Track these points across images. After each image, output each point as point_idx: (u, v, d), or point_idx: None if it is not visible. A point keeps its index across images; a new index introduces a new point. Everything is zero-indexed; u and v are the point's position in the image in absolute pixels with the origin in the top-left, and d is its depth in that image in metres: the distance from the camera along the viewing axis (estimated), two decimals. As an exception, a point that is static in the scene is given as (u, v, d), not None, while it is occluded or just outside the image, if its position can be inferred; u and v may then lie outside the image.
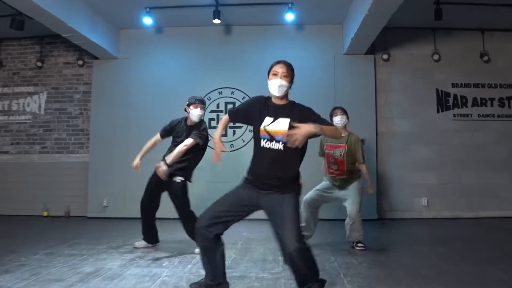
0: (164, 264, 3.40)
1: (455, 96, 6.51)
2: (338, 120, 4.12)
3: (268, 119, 2.48)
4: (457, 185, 6.35)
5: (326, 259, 3.60)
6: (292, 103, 2.57)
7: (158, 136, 4.16)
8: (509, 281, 2.84)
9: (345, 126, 4.15)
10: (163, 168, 3.68)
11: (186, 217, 3.82)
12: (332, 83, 6.34)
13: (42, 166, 6.83)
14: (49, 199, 6.65)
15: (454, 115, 6.49)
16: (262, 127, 2.46)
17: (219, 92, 6.46)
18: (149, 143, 4.15)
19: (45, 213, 6.61)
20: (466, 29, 6.52)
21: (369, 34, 5.63)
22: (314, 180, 4.19)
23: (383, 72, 6.53)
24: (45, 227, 5.70)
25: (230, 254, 3.73)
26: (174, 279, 2.92)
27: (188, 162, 3.88)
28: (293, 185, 2.46)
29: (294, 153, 2.42)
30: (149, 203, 4.11)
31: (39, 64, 6.91)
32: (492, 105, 6.47)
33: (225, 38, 6.54)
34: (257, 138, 2.51)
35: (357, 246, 4.00)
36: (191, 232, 3.67)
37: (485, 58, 6.47)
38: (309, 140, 2.35)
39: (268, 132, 2.45)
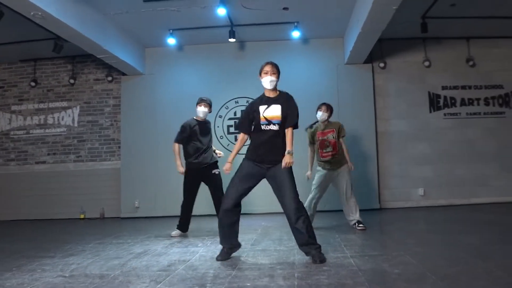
0: (199, 245, 4.11)
1: (445, 97, 7.31)
2: (319, 115, 4.87)
3: (263, 107, 3.27)
4: (451, 176, 7.13)
5: (330, 236, 4.33)
6: (282, 94, 3.37)
7: (177, 145, 4.88)
8: (481, 245, 3.56)
9: (325, 120, 4.88)
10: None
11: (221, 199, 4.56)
12: (335, 90, 7.14)
13: (77, 173, 7.59)
14: (85, 203, 7.40)
15: (445, 114, 7.28)
16: (261, 115, 3.25)
17: (235, 102, 7.26)
18: (177, 153, 4.85)
19: (82, 216, 7.36)
20: (453, 38, 7.33)
21: (365, 47, 6.43)
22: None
23: (380, 78, 7.33)
24: (85, 227, 6.40)
25: (252, 237, 4.48)
26: (210, 253, 3.62)
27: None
28: None
29: (284, 133, 3.26)
30: (190, 201, 4.86)
31: (71, 81, 7.69)
32: (478, 104, 7.27)
33: (239, 53, 7.35)
34: (258, 127, 3.29)
35: (358, 226, 4.69)
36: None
37: (471, 63, 7.27)
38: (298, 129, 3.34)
39: (265, 118, 3.25)
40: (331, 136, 4.82)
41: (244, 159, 3.36)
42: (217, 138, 7.15)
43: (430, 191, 7.12)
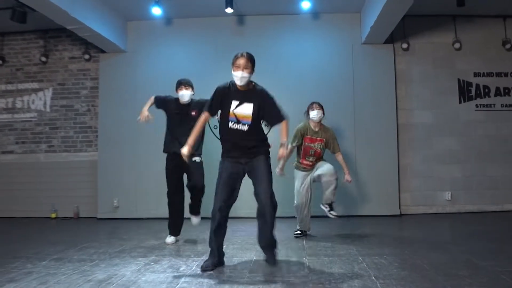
0: (181, 268, 3.13)
1: (477, 85, 6.26)
2: (314, 114, 4.30)
3: (234, 103, 3.04)
4: (482, 178, 6.12)
5: (351, 256, 3.41)
6: (255, 88, 3.09)
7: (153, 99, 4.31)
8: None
9: (320, 121, 4.35)
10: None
11: (202, 190, 4.08)
12: (350, 74, 6.09)
13: (49, 165, 6.57)
14: (57, 200, 6.41)
15: (476, 106, 6.24)
16: (231, 110, 3.03)
17: (232, 85, 6.20)
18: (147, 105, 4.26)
19: (53, 215, 6.37)
20: (488, 16, 6.26)
21: (390, 22, 5.38)
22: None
23: (402, 62, 6.27)
24: (53, 230, 5.48)
25: (250, 255, 3.54)
26: (195, 284, 2.68)
27: (200, 140, 4.06)
28: (263, 148, 3.14)
29: (256, 128, 3.10)
30: (176, 192, 4.19)
31: (43, 59, 6.63)
32: (516, 95, 6.24)
33: (238, 28, 6.28)
34: (225, 120, 3.09)
35: (330, 214, 4.27)
36: (198, 205, 4.20)
37: (508, 46, 6.21)
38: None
39: (235, 115, 3.04)
40: (318, 146, 4.34)
41: (222, 160, 3.17)
42: (210, 128, 6.11)
43: (458, 195, 6.11)
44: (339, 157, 4.40)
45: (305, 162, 4.34)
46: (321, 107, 4.34)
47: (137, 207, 6.14)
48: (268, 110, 3.09)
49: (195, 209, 4.25)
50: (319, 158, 4.36)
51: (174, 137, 4.10)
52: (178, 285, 2.67)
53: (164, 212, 5.41)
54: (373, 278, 2.74)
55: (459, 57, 6.29)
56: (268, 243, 3.16)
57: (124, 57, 6.37)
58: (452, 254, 3.50)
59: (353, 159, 6.01)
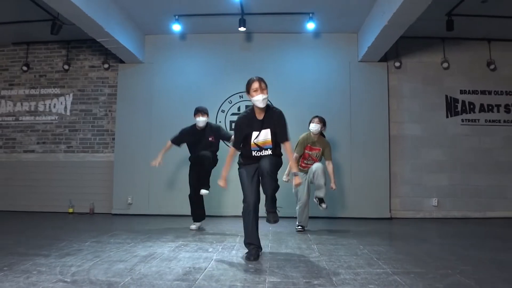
0: (210, 250, 3.64)
1: (463, 102, 6.85)
2: (313, 126, 4.91)
3: (255, 134, 3.24)
4: (466, 187, 6.66)
5: (353, 245, 3.94)
6: (270, 111, 3.29)
7: (169, 143, 5.18)
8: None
9: (318, 133, 4.93)
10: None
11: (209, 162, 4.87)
12: (347, 89, 6.68)
13: (68, 164, 7.09)
14: (74, 197, 6.90)
15: (462, 120, 6.83)
16: (252, 141, 3.24)
17: (240, 96, 6.77)
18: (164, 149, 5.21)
19: (71, 210, 6.86)
20: (474, 39, 6.89)
21: (386, 43, 5.98)
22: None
23: (395, 79, 6.87)
24: (75, 222, 5.93)
25: (266, 243, 4.02)
26: (226, 260, 3.20)
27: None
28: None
29: (276, 145, 3.31)
30: (195, 190, 4.95)
31: (65, 67, 7.19)
32: (498, 111, 6.82)
33: (246, 44, 6.89)
34: (247, 146, 3.29)
35: (321, 206, 4.79)
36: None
37: (492, 66, 6.83)
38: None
39: (257, 145, 3.25)
40: (315, 154, 4.98)
41: (240, 168, 3.42)
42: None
43: (444, 201, 6.66)
44: (330, 166, 4.98)
45: (303, 164, 4.99)
46: (321, 121, 4.92)
47: (149, 204, 6.66)
48: (278, 130, 3.28)
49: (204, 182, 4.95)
50: (315, 161, 4.97)
51: (194, 153, 5.01)
52: (212, 260, 3.18)
53: (175, 209, 5.87)
54: (375, 259, 3.28)
55: (447, 76, 6.89)
56: (269, 202, 3.36)
57: (141, 68, 6.95)
58: (440, 245, 4.09)
59: (349, 167, 6.57)
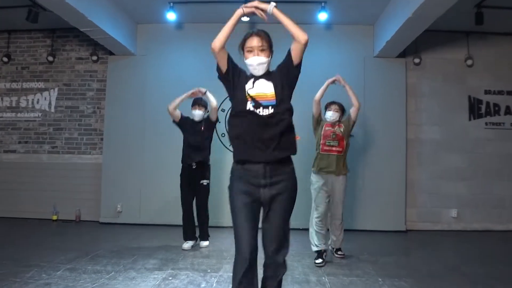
0: (203, 286, 3.10)
1: (487, 103, 6.23)
2: (330, 115, 4.17)
3: (249, 83, 2.26)
4: (488, 196, 6.08)
5: (374, 280, 3.35)
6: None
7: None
8: None
9: (339, 120, 4.19)
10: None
11: (206, 212, 4.60)
12: (361, 86, 6.00)
13: (52, 166, 6.45)
14: (58, 202, 6.28)
15: (486, 123, 6.20)
16: (246, 94, 2.21)
17: (242, 94, 6.12)
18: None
19: (55, 217, 6.25)
20: (501, 34, 6.23)
21: (408, 37, 5.32)
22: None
23: (413, 76, 6.22)
24: (58, 233, 5.40)
25: None
26: None
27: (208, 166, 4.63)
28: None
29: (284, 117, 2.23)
30: (187, 201, 4.54)
31: (50, 58, 6.51)
32: (525, 114, 6.21)
33: (250, 36, 6.20)
34: (239, 103, 2.26)
35: (337, 254, 4.15)
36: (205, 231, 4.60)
37: (520, 64, 6.20)
38: None
39: (252, 98, 2.20)
40: (339, 130, 4.13)
41: (231, 188, 2.26)
42: (218, 136, 6.04)
43: (464, 212, 6.08)
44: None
45: (326, 147, 4.07)
46: (339, 109, 4.17)
47: (140, 213, 6.05)
48: (285, 71, 2.35)
49: (202, 235, 4.62)
50: (343, 145, 4.07)
51: (188, 151, 4.54)
52: None
53: (168, 219, 5.30)
54: None
55: (470, 74, 6.25)
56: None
57: (133, 60, 6.27)
58: (465, 277, 3.49)
59: (362, 174, 5.96)
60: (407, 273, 3.61)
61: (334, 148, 4.07)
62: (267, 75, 2.28)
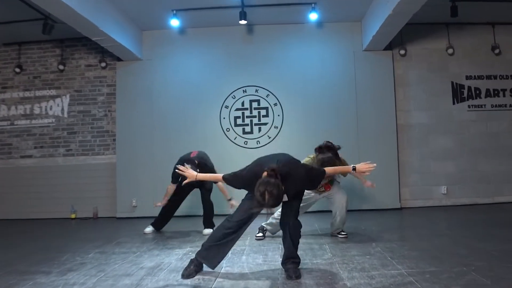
0: None
1: (469, 88, 6.77)
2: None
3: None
4: (474, 173, 6.62)
5: (365, 242, 3.87)
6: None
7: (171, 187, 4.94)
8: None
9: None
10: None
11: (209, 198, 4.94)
12: (352, 78, 6.55)
13: (67, 168, 6.88)
14: (76, 201, 6.71)
15: (469, 106, 6.75)
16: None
17: (243, 91, 6.60)
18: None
19: (73, 215, 6.67)
20: (478, 24, 6.78)
21: (391, 32, 5.84)
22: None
23: (400, 67, 6.75)
24: (78, 229, 5.76)
25: (277, 243, 3.90)
26: (236, 270, 3.06)
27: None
28: None
29: None
30: (173, 204, 4.99)
31: (60, 67, 6.93)
32: (504, 96, 6.75)
33: (248, 37, 6.69)
34: None
35: (340, 234, 4.20)
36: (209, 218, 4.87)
37: (497, 50, 6.73)
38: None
39: None
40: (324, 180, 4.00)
41: (246, 199, 3.05)
42: (223, 131, 6.52)
43: (453, 189, 6.61)
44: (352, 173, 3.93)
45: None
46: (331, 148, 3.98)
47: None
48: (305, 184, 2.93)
49: (207, 223, 4.89)
50: (328, 188, 4.19)
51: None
52: (224, 265, 3.10)
53: (182, 210, 5.79)
54: (389, 258, 3.19)
55: (452, 62, 6.79)
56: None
57: (140, 65, 6.73)
58: (451, 238, 4.01)
59: (357, 158, 6.42)
60: (398, 237, 4.13)
61: (321, 189, 4.17)
62: None
